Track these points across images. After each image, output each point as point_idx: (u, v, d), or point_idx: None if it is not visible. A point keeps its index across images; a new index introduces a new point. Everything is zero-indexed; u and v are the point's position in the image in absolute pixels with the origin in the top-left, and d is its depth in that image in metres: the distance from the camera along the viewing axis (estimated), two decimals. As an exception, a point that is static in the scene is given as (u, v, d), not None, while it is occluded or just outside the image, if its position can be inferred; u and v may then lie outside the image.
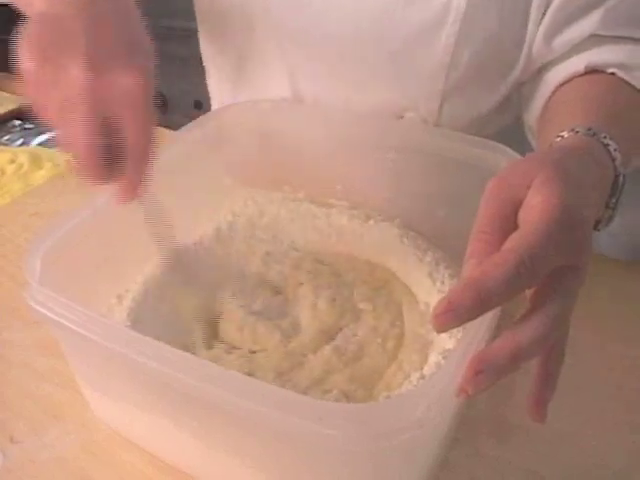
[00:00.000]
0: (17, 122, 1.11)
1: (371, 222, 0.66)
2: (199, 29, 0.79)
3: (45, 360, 0.62)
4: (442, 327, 0.35)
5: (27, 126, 1.10)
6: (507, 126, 0.76)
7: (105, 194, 0.52)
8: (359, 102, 0.70)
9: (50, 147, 1.02)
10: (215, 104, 0.87)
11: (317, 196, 0.69)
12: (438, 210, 0.65)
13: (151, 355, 0.40)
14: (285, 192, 0.70)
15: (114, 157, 0.44)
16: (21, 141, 1.05)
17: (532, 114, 0.69)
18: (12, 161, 0.97)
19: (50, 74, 0.43)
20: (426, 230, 0.66)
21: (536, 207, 0.37)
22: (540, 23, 0.66)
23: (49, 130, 1.07)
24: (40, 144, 1.03)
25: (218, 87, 0.84)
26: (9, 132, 1.09)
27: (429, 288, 0.60)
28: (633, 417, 0.55)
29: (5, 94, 1.25)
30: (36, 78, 0.43)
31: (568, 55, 0.66)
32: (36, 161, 0.96)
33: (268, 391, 0.37)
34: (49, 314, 0.44)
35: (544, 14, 0.65)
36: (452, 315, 0.34)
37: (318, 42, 0.69)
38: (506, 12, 0.65)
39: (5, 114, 1.13)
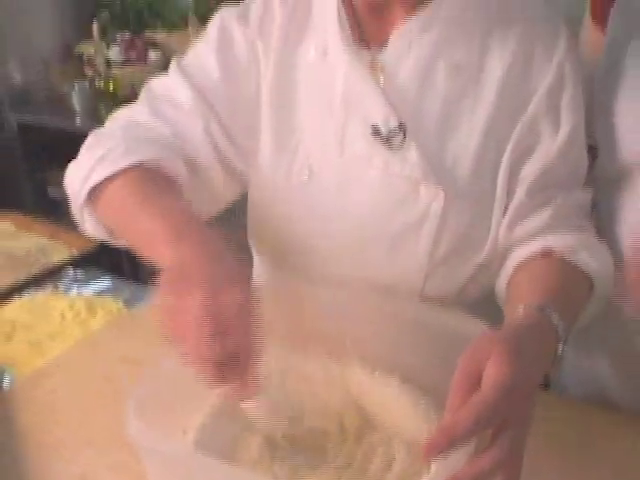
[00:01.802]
0: (70, 271, 1.30)
1: (376, 373, 0.83)
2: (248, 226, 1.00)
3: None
4: (427, 458, 0.54)
5: (79, 274, 1.29)
6: (488, 293, 0.94)
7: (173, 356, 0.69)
8: (360, 278, 0.90)
9: (102, 296, 1.20)
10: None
11: (332, 351, 0.87)
12: (430, 367, 0.82)
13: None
14: (308, 350, 0.87)
15: (229, 363, 0.61)
16: (76, 289, 1.23)
17: (499, 287, 0.88)
18: (71, 307, 1.15)
19: (180, 303, 0.62)
20: (421, 382, 0.83)
21: (491, 376, 0.58)
22: (503, 217, 0.86)
23: (99, 279, 1.26)
24: (94, 292, 1.22)
25: (259, 270, 1.04)
26: (64, 279, 1.27)
27: (420, 429, 0.76)
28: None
29: (59, 244, 1.45)
30: (170, 308, 0.63)
31: (527, 241, 0.86)
32: (91, 309, 1.14)
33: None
34: (145, 443, 0.60)
35: (506, 210, 0.86)
36: (433, 451, 0.54)
37: (326, 239, 0.90)
38: (475, 211, 0.86)
39: (60, 263, 1.33)
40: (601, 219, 0.91)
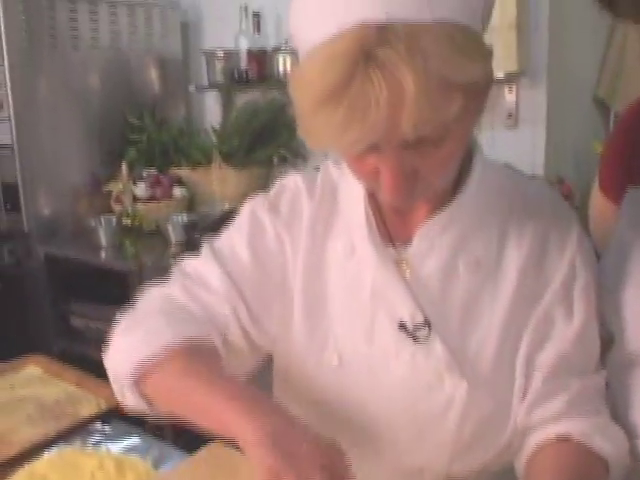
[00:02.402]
0: (99, 425, 1.34)
1: None
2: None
3: None
4: None
5: (107, 430, 1.32)
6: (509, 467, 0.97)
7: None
8: (386, 460, 0.94)
9: (130, 454, 1.23)
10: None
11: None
12: None
13: None
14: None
15: None
16: (104, 445, 1.26)
17: (519, 466, 0.92)
18: (100, 467, 1.18)
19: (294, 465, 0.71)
20: None
21: None
22: (521, 402, 0.91)
23: (127, 435, 1.30)
24: (122, 450, 1.25)
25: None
26: (92, 434, 1.30)
27: None
28: None
29: (86, 392, 1.48)
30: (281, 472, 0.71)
31: (543, 426, 0.90)
32: (121, 469, 1.17)
33: None
34: None
35: (524, 396, 0.91)
36: None
37: (353, 421, 0.94)
38: (497, 398, 0.91)
39: (88, 418, 1.36)
40: (615, 399, 0.95)
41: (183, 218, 2.89)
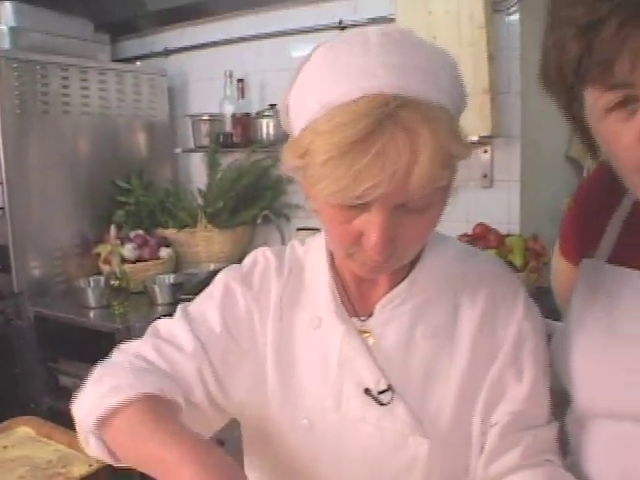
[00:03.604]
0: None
1: None
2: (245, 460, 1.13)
3: None
4: None
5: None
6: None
7: None
8: None
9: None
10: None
11: None
12: None
13: None
14: None
15: None
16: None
17: None
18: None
19: None
20: None
21: None
22: (479, 456, 0.98)
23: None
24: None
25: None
26: (84, 494, 1.35)
27: None
28: None
29: (77, 452, 1.52)
30: None
31: (500, 478, 0.98)
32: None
33: None
34: None
35: (482, 451, 0.98)
36: None
37: None
38: (457, 454, 0.99)
39: (80, 478, 1.41)
40: (574, 451, 1.03)
41: (169, 279, 2.96)
